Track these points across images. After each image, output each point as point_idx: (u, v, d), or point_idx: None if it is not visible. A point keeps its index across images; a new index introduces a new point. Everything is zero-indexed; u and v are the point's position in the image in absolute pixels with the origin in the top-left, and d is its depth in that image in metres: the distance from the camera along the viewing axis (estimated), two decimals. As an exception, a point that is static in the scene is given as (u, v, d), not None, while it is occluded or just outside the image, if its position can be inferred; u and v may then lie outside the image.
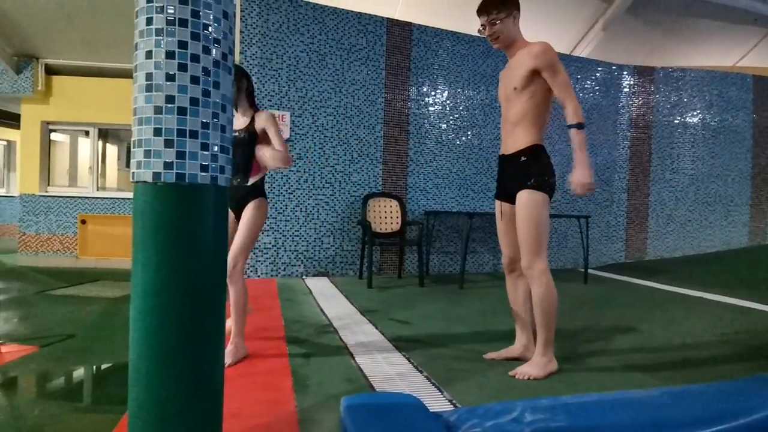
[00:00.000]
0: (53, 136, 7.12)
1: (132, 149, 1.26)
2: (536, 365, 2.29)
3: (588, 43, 9.26)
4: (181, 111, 1.21)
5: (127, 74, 6.72)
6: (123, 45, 6.27)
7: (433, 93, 5.84)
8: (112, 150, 8.43)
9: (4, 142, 9.07)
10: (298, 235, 5.19)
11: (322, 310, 3.66)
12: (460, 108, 5.97)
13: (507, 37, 2.36)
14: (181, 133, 1.21)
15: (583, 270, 5.54)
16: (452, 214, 5.83)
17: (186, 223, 1.24)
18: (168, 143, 1.20)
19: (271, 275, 5.10)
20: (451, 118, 5.92)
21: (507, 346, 2.60)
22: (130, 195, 6.40)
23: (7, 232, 8.76)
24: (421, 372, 2.32)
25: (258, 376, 2.20)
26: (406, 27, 5.72)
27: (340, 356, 2.55)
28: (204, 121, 1.24)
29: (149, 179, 1.21)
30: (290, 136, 5.16)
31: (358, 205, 5.39)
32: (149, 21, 1.20)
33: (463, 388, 2.12)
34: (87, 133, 7.17)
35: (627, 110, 7.01)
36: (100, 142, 7.20)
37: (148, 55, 1.20)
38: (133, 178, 1.25)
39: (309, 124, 5.24)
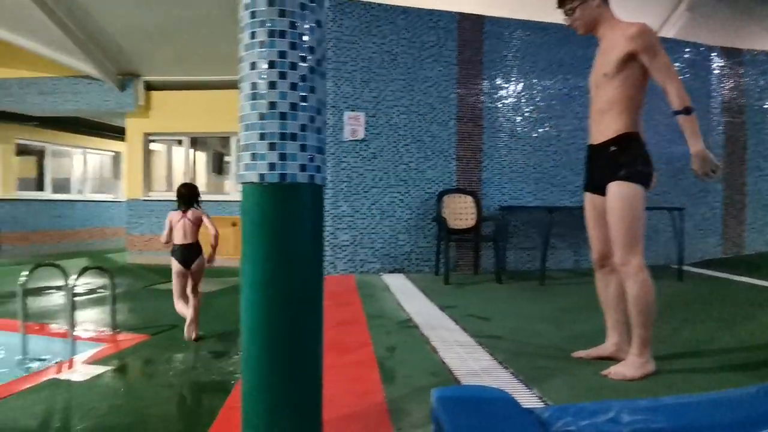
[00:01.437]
0: (152, 146, 7.87)
1: (239, 153, 1.37)
2: (632, 365, 2.17)
3: (673, 24, 8.56)
4: (282, 116, 1.30)
5: (214, 86, 7.26)
6: (211, 60, 6.78)
7: (506, 85, 5.69)
8: (201, 156, 9.15)
9: (112, 153, 10.18)
10: (374, 233, 5.31)
11: (401, 305, 3.72)
12: (536, 99, 5.77)
13: (589, 21, 2.24)
14: (282, 136, 1.30)
15: (676, 266, 5.13)
16: (529, 209, 5.65)
17: (288, 220, 1.33)
18: (271, 146, 1.30)
19: (350, 272, 5.27)
20: (526, 110, 5.74)
21: (594, 345, 2.48)
22: (218, 197, 6.93)
23: (117, 234, 9.83)
24: (506, 368, 2.29)
25: (346, 368, 2.29)
26: (477, 20, 5.62)
27: (424, 350, 2.58)
28: (302, 123, 1.32)
29: (255, 180, 1.32)
30: (365, 136, 5.28)
31: (433, 202, 5.40)
32: (253, 35, 1.30)
33: (552, 386, 2.06)
34: (180, 142, 7.84)
35: (718, 94, 6.39)
36: (192, 150, 7.84)
37: (253, 66, 1.31)
38: (240, 180, 1.37)
39: (383, 123, 5.34)
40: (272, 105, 1.30)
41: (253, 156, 1.32)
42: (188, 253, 3.54)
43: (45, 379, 2.51)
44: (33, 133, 8.19)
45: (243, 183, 1.36)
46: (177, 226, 3.60)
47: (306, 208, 1.36)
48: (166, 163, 8.32)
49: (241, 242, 1.39)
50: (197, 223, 3.62)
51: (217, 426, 1.78)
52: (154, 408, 2.11)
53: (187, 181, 7.61)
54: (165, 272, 6.24)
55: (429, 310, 3.56)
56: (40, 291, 5.05)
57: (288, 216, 1.33)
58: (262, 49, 1.29)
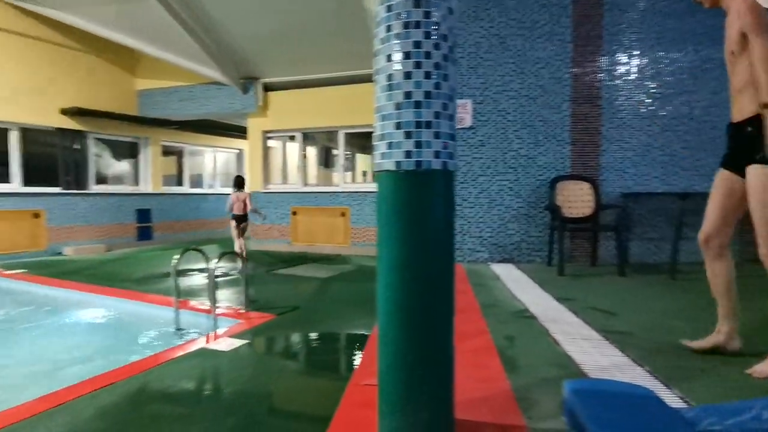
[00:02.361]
0: (269, 142, 8.55)
1: (375, 143, 1.45)
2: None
3: None
4: (417, 105, 1.34)
5: (323, 83, 7.65)
6: (321, 59, 7.15)
7: (629, 60, 5.19)
8: (311, 151, 9.72)
9: (236, 151, 11.27)
10: (482, 222, 5.23)
11: (514, 295, 3.64)
12: (663, 74, 5.18)
13: None
14: (417, 124, 1.34)
15: None
16: (656, 196, 5.13)
17: (422, 205, 1.38)
18: (407, 134, 1.35)
19: (457, 260, 5.26)
20: (651, 86, 5.19)
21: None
22: (327, 189, 7.31)
23: (241, 223, 10.99)
24: (641, 366, 2.13)
25: (467, 354, 2.31)
26: (595, -8, 5.21)
27: (545, 342, 2.50)
28: (436, 111, 1.35)
29: (392, 168, 1.38)
30: (472, 123, 5.20)
31: (544, 189, 5.15)
32: (389, 28, 1.36)
33: (693, 386, 1.91)
34: (293, 138, 8.41)
35: None
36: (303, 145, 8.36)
37: (388, 58, 1.37)
38: (376, 169, 1.44)
39: (491, 110, 5.21)
40: (408, 94, 1.34)
41: (390, 145, 1.38)
42: (240, 218, 6.10)
43: (196, 348, 2.88)
44: (174, 136, 9.38)
45: (379, 171, 1.43)
46: (235, 202, 6.04)
47: (440, 194, 1.40)
48: (282, 157, 8.99)
49: (377, 227, 1.47)
50: (244, 200, 6.07)
51: (346, 401, 1.90)
52: (287, 380, 2.31)
53: (301, 173, 8.15)
54: (284, 258, 6.80)
55: (545, 302, 3.42)
56: (185, 272, 5.80)
57: (423, 202, 1.37)
58: (398, 41, 1.34)
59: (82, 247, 7.49)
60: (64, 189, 7.48)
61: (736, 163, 2.12)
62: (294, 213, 7.93)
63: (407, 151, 1.35)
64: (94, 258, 7.05)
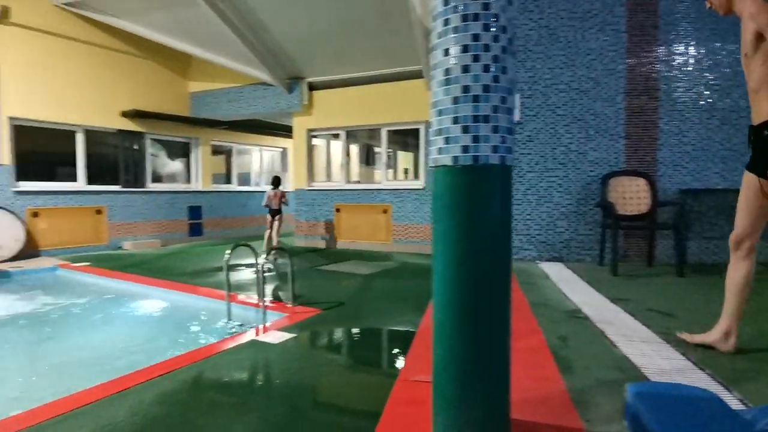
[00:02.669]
0: (313, 141, 8.69)
1: (431, 138, 1.44)
2: None
3: None
4: (475, 98, 1.32)
5: (366, 81, 7.70)
6: (364, 57, 7.20)
7: (686, 51, 4.91)
8: (353, 149, 9.81)
9: (281, 149, 11.54)
10: (530, 219, 5.11)
11: (565, 295, 3.53)
12: (723, 64, 4.87)
13: (723, 2, 2.18)
14: (475, 118, 1.33)
15: None
16: (717, 192, 4.83)
17: (480, 200, 1.36)
18: (464, 129, 1.34)
19: (503, 259, 5.16)
20: (711, 77, 4.89)
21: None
22: (369, 186, 7.34)
23: (287, 220, 11.23)
24: (702, 369, 2.03)
25: (520, 353, 2.26)
26: (651, -22, 4.96)
27: (600, 343, 2.42)
28: (494, 105, 1.33)
29: (449, 163, 1.37)
30: (520, 118, 5.08)
31: (596, 186, 4.97)
32: (446, 22, 1.35)
33: (754, 388, 1.83)
34: (336, 136, 8.51)
35: None
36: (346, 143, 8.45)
37: (446, 52, 1.35)
38: (432, 164, 1.43)
39: (539, 104, 5.07)
40: (465, 88, 1.33)
41: (447, 140, 1.37)
42: (274, 212, 6.99)
43: (246, 340, 2.97)
44: (223, 136, 9.72)
45: (435, 167, 1.42)
46: (272, 197, 6.99)
47: (497, 189, 1.37)
48: (325, 155, 9.13)
49: (432, 223, 1.46)
50: (280, 197, 7.00)
51: (395, 397, 1.90)
52: (334, 375, 2.34)
53: (344, 170, 8.25)
54: (329, 255, 6.91)
55: (599, 302, 3.30)
56: (234, 267, 6.00)
57: (481, 197, 1.36)
58: (456, 35, 1.33)
59: (140, 242, 7.90)
60: (124, 187, 7.92)
61: (758, 167, 2.10)
62: (337, 210, 8.03)
63: (464, 146, 1.34)
64: (151, 252, 7.43)
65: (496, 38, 1.32)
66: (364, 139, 9.65)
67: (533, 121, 5.07)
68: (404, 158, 11.01)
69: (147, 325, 3.88)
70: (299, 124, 8.39)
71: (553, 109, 5.05)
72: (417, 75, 7.00)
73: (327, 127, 8.27)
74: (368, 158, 11.03)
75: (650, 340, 2.45)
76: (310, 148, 8.53)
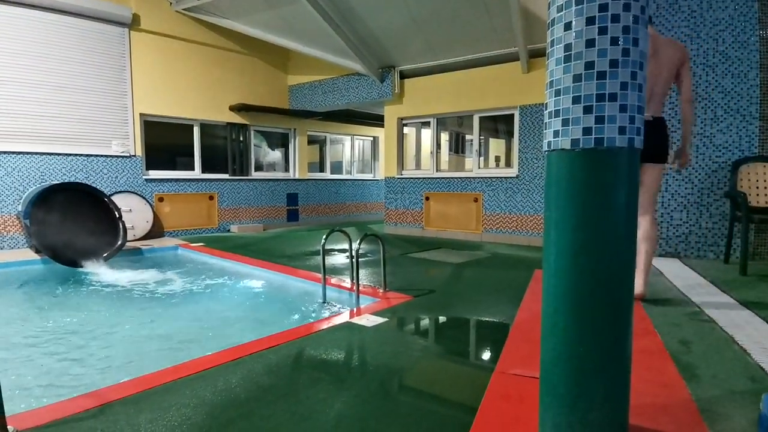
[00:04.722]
0: (404, 129, 8.72)
1: (547, 120, 1.35)
2: None
3: None
4: (600, 75, 1.21)
5: (456, 67, 7.52)
6: (454, 43, 7.03)
7: None
8: (443, 137, 9.69)
9: (371, 138, 11.77)
10: (639, 210, 4.67)
11: (684, 294, 3.18)
12: None
13: None
14: (600, 97, 1.22)
15: None
16: None
17: (603, 187, 1.25)
18: (587, 109, 1.23)
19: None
20: None
21: None
22: (460, 174, 7.20)
23: (376, 208, 11.44)
24: None
25: (634, 354, 2.07)
26: (803, -72, 4.21)
27: (730, 350, 2.14)
28: (623, 81, 1.21)
29: (567, 147, 1.27)
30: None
31: (723, 174, 4.39)
32: (568, -7, 1.24)
33: None
34: (427, 124, 8.45)
35: None
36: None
37: (567, 26, 1.25)
38: (547, 148, 1.35)
39: (654, 83, 4.57)
40: (589, 65, 1.22)
41: (565, 122, 1.27)
42: None
43: (341, 321, 3.08)
44: (318, 126, 10.14)
45: (550, 151, 1.33)
46: None
47: (623, 174, 1.25)
48: (415, 143, 9.12)
49: (545, 211, 1.38)
50: None
51: (492, 390, 1.84)
52: (427, 362, 2.33)
53: (434, 158, 8.18)
54: (418, 242, 6.93)
55: (726, 304, 2.93)
56: (329, 251, 6.27)
57: (604, 183, 1.25)
58: (579, 5, 1.22)
59: (245, 226, 8.56)
60: (232, 175, 8.62)
61: None
62: (426, 198, 8.01)
63: (586, 128, 1.24)
64: (254, 235, 8.02)
65: (627, 6, 1.19)
66: (454, 126, 9.48)
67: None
68: (496, 145, 10.65)
69: (255, 299, 4.20)
70: (390, 112, 8.45)
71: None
72: (511, 58, 6.69)
73: (418, 115, 8.24)
74: (458, 146, 10.83)
75: (795, 350, 2.13)
76: (401, 137, 8.57)
